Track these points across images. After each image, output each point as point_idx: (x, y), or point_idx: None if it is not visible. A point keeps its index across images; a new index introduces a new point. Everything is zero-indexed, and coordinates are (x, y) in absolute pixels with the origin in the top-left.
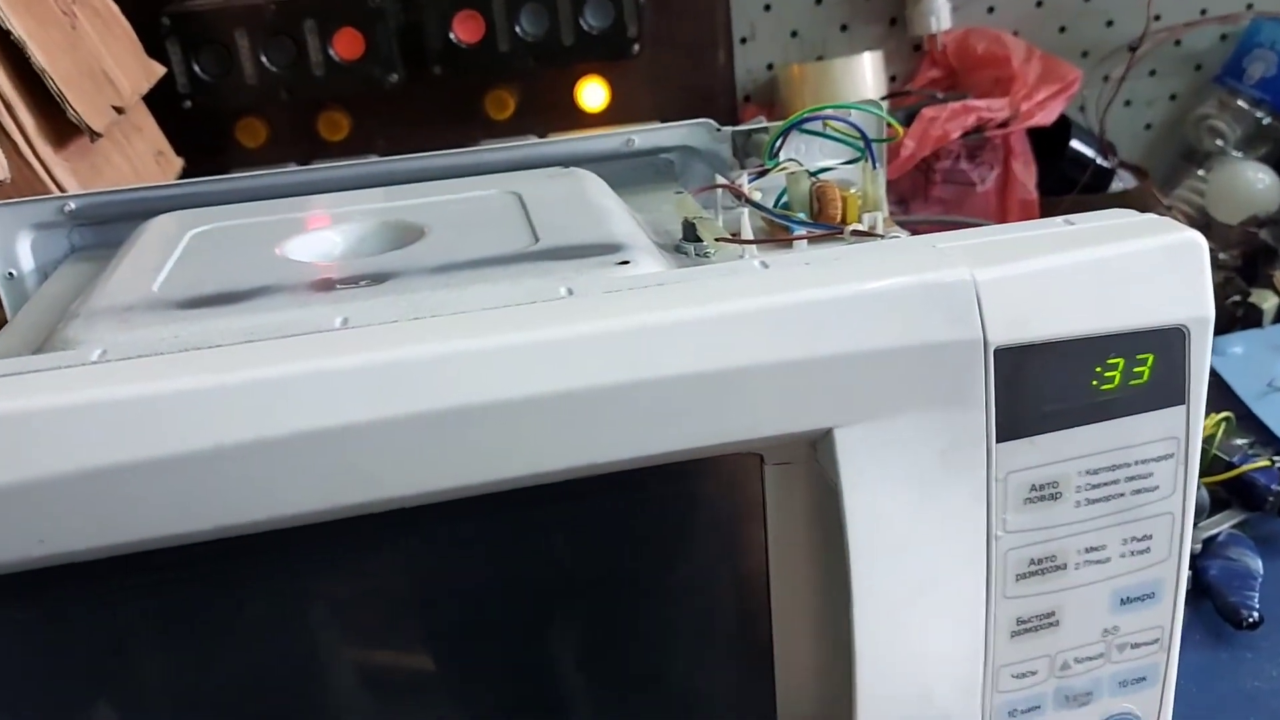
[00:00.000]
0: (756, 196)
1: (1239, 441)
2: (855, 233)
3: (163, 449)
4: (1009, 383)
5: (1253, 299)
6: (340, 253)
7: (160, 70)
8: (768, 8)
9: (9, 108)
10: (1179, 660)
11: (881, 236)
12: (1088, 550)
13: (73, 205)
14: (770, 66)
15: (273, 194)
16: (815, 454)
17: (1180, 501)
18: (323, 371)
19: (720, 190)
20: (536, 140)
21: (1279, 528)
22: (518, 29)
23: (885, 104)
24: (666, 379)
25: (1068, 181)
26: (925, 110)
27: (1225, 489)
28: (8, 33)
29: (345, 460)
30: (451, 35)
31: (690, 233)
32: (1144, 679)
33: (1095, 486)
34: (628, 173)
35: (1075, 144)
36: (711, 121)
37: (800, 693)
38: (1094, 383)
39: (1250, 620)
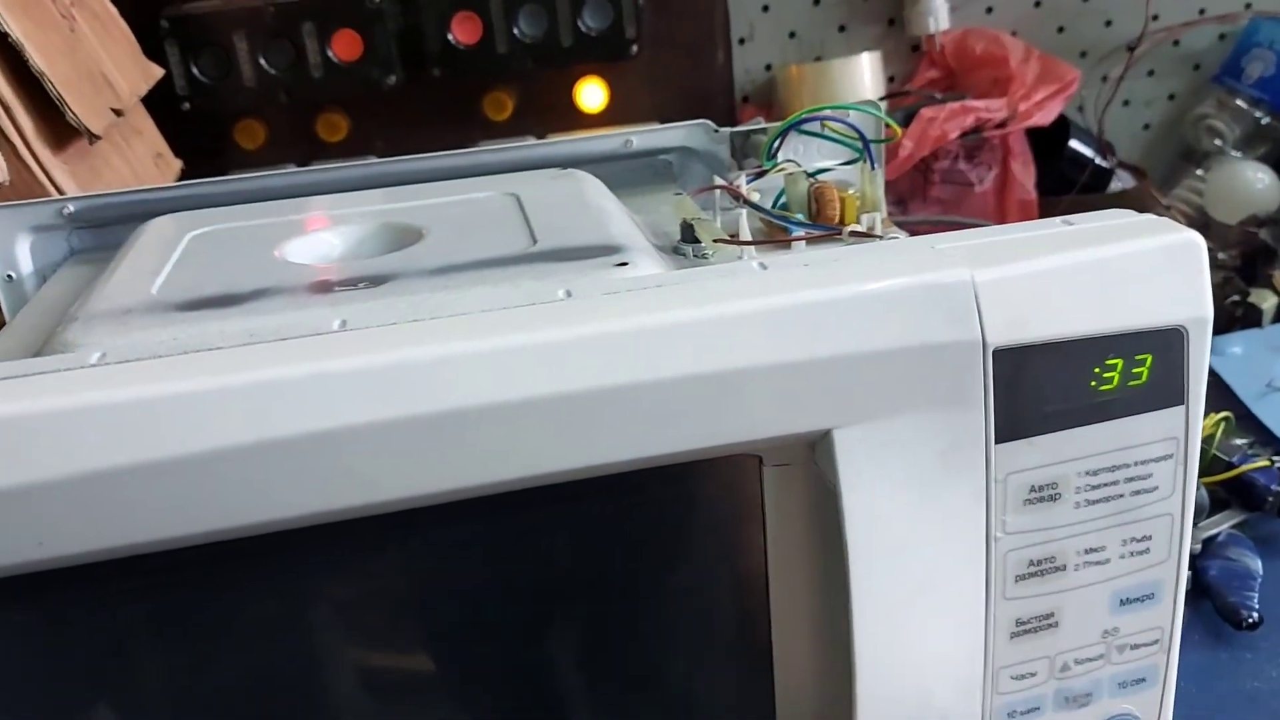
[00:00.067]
0: (755, 197)
1: (1238, 441)
2: (853, 233)
3: (161, 452)
4: (1008, 383)
5: (1252, 299)
6: (339, 255)
7: (159, 72)
8: (766, 8)
9: (8, 110)
10: (1179, 661)
11: (880, 237)
12: (1087, 551)
13: (71, 208)
14: (769, 67)
15: (271, 196)
16: (814, 455)
17: (1179, 502)
18: (321, 374)
19: (718, 191)
20: (535, 141)
21: (1278, 528)
22: (516, 30)
23: (883, 104)
24: (665, 381)
25: (1066, 181)
26: (924, 110)
27: (1225, 489)
28: (6, 35)
29: (344, 463)
30: (450, 36)
31: (688, 234)
32: (1144, 680)
33: (1095, 487)
34: (626, 174)
35: (1074, 144)
36: (709, 122)
37: (799, 694)
38: (1093, 383)
39: (1250, 621)
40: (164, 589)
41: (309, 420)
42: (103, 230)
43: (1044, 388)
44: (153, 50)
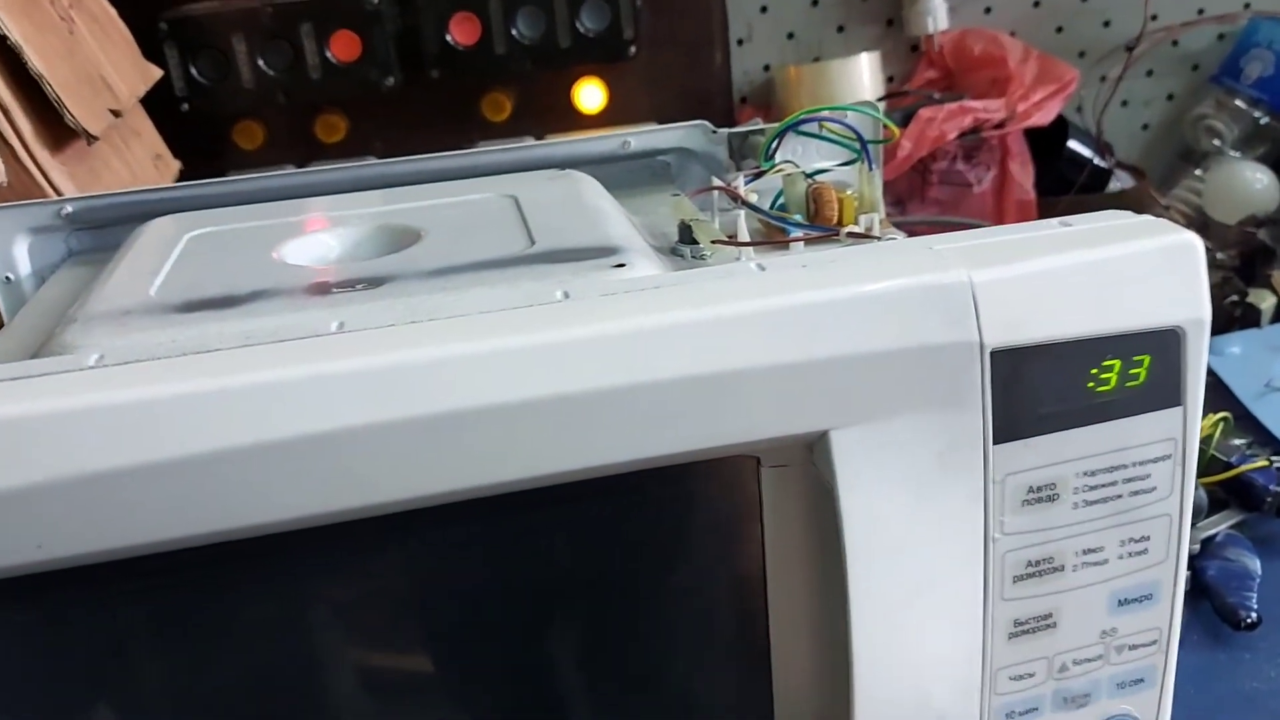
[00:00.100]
0: (753, 198)
1: (1237, 442)
2: (851, 234)
3: (160, 453)
4: (1005, 384)
5: (1251, 299)
6: (337, 256)
7: (157, 73)
8: (764, 9)
9: (6, 112)
10: (1177, 661)
11: (878, 238)
12: (1085, 552)
13: (70, 209)
14: (767, 68)
15: (270, 196)
16: (812, 456)
17: (1178, 503)
18: (319, 376)
19: (717, 192)
20: (533, 142)
21: (1277, 528)
22: (514, 31)
23: (882, 105)
24: (663, 382)
25: (1065, 182)
26: (922, 111)
27: (1223, 489)
28: (5, 38)
29: (342, 464)
30: (448, 37)
31: (686, 235)
32: (1142, 680)
33: (1093, 488)
34: (624, 175)
35: (1073, 144)
36: (707, 123)
37: (797, 694)
38: (1090, 384)
39: (1248, 621)
40: (163, 590)
41: (307, 422)
42: (101, 231)
43: (1041, 389)
44: (152, 52)
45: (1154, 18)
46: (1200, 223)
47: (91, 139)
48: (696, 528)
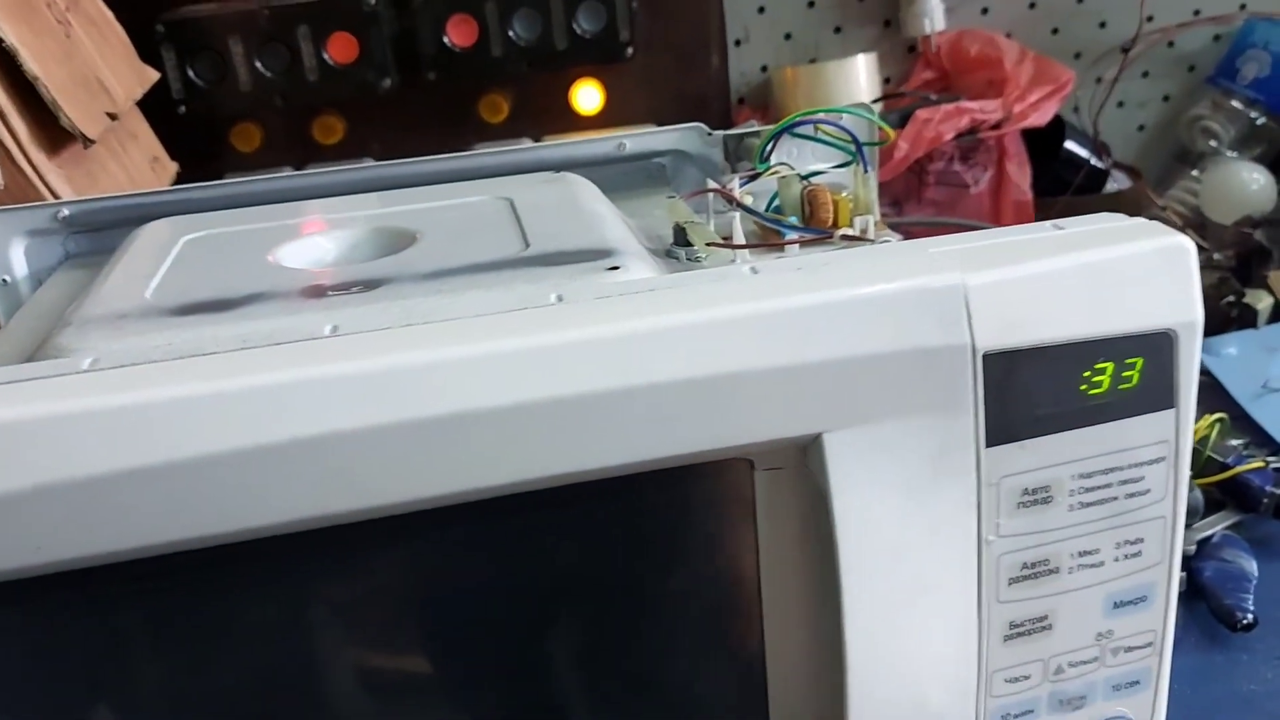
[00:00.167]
0: (748, 200)
1: (1233, 443)
2: (845, 237)
3: (154, 457)
4: (998, 387)
5: (1247, 300)
6: (333, 259)
7: (154, 75)
8: (761, 10)
9: (3, 116)
10: (1173, 663)
11: (872, 240)
12: (1080, 554)
13: (67, 212)
14: (764, 69)
15: (267, 199)
16: (805, 459)
17: (1172, 505)
18: (314, 379)
19: (712, 194)
20: (529, 144)
21: (1274, 529)
22: (511, 33)
23: (878, 106)
24: (657, 385)
25: (1062, 183)
26: (919, 112)
27: (1220, 490)
28: (1, 41)
29: (337, 467)
30: (445, 39)
31: (681, 237)
32: (1137, 682)
33: (1087, 490)
34: (620, 177)
35: (1069, 145)
36: (703, 126)
37: (793, 697)
38: (1083, 387)
39: (1245, 622)
40: (160, 592)
41: (302, 425)
42: (98, 234)
43: (1034, 391)
44: (149, 54)
45: (1150, 19)
46: (1197, 223)
47: (88, 142)
48: (690, 530)
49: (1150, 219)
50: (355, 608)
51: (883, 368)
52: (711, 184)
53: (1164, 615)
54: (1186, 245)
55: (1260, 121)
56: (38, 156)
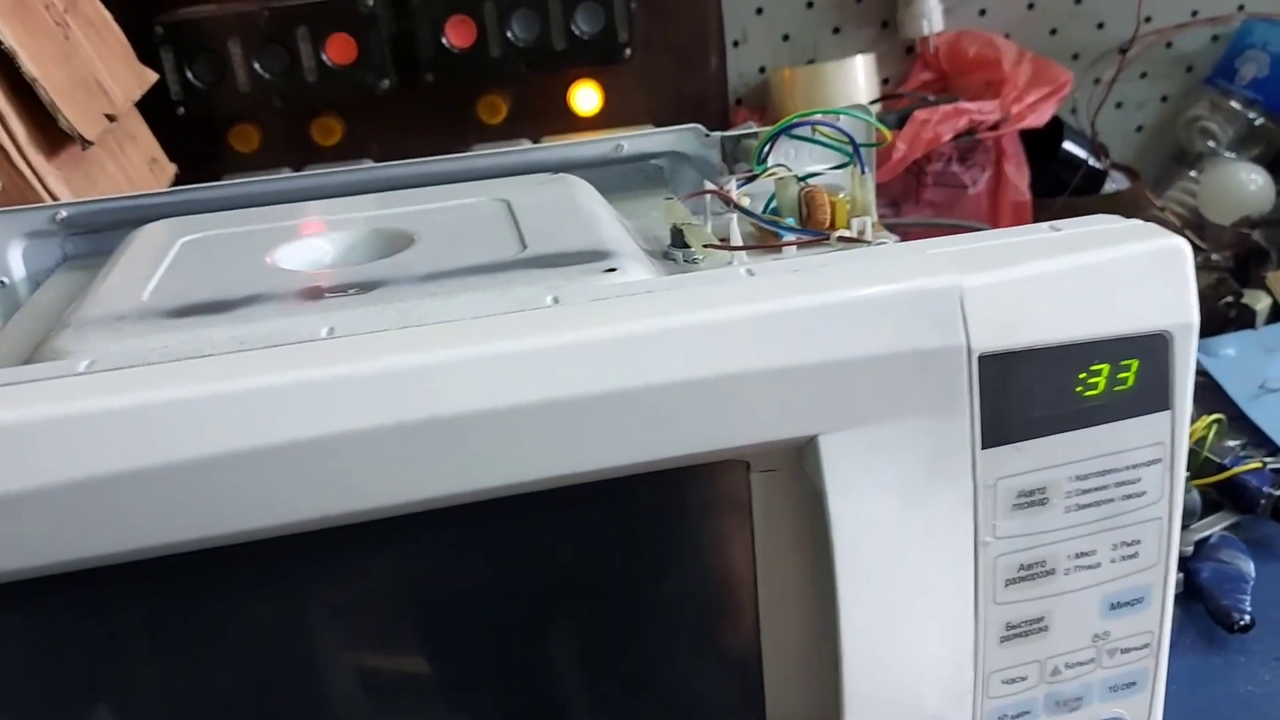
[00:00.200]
0: (745, 202)
1: (1231, 443)
2: (842, 238)
3: (151, 459)
4: (994, 389)
5: (1245, 300)
6: (330, 261)
7: (153, 77)
8: (759, 11)
9: (1, 117)
10: (1170, 664)
11: (869, 242)
12: (1077, 555)
13: (65, 213)
14: (763, 70)
15: (266, 200)
16: (801, 461)
17: (1168, 506)
18: (311, 381)
19: (709, 196)
20: (527, 146)
21: (1271, 530)
22: (509, 34)
23: (876, 107)
24: (652, 387)
25: (1060, 183)
26: (917, 113)
27: (1217, 491)
28: None
29: (334, 469)
30: (443, 40)
31: (678, 239)
32: (1134, 684)
33: (1083, 492)
34: (617, 178)
35: (1067, 146)
36: (700, 127)
37: (790, 698)
38: (1079, 389)
39: (1242, 623)
40: (158, 594)
41: (298, 427)
42: (96, 236)
43: (1030, 393)
44: (147, 55)
45: (1148, 19)
46: (1195, 224)
47: (86, 143)
48: (686, 532)
49: (1148, 220)
50: (353, 609)
51: (879, 369)
52: (709, 185)
53: (1161, 616)
54: (1182, 247)
55: (1258, 122)
56: (36, 158)
